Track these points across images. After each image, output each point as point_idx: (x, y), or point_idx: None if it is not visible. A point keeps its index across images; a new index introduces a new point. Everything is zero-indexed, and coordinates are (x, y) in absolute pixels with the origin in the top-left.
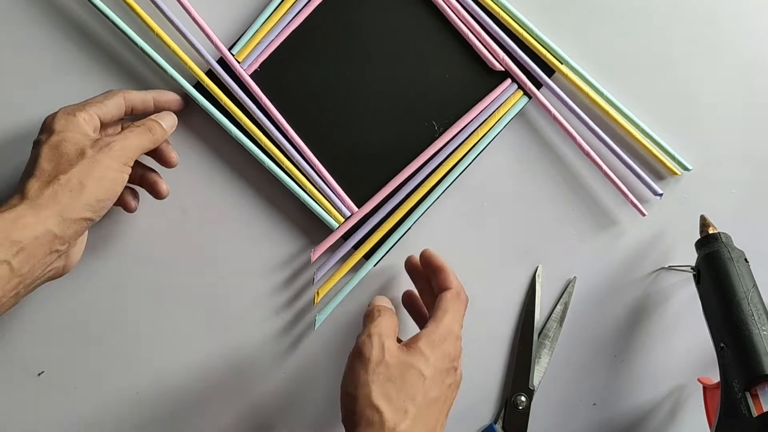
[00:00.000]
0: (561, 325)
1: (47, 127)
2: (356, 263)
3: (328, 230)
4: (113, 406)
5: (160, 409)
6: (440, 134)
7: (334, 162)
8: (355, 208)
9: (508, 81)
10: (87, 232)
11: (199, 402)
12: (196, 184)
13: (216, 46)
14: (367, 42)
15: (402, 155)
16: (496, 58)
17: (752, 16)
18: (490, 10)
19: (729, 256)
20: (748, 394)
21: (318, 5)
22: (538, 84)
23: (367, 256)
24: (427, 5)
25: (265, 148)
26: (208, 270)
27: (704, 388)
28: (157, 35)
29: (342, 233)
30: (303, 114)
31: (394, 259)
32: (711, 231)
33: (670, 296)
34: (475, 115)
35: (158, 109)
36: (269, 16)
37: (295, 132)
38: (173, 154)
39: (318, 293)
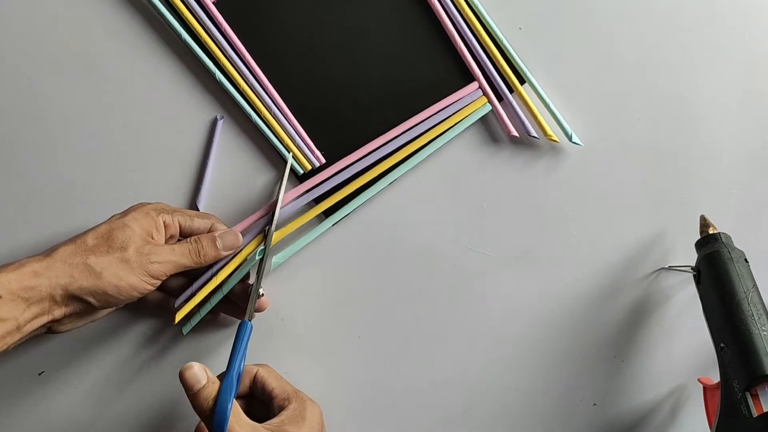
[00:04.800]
0: None
1: (129, 210)
2: (317, 217)
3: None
4: (114, 406)
5: (162, 409)
6: None
7: (304, 113)
8: (323, 160)
9: (475, 84)
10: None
11: None
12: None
13: None
14: (351, 9)
15: (372, 124)
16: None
17: (751, 16)
18: (468, 20)
19: (729, 256)
20: (748, 394)
21: None
22: (500, 97)
23: (327, 214)
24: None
25: (235, 83)
26: None
27: (704, 388)
28: None
29: (312, 184)
30: (274, 56)
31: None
32: (711, 231)
33: (671, 296)
34: (444, 107)
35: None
36: None
37: (263, 72)
38: (264, 303)
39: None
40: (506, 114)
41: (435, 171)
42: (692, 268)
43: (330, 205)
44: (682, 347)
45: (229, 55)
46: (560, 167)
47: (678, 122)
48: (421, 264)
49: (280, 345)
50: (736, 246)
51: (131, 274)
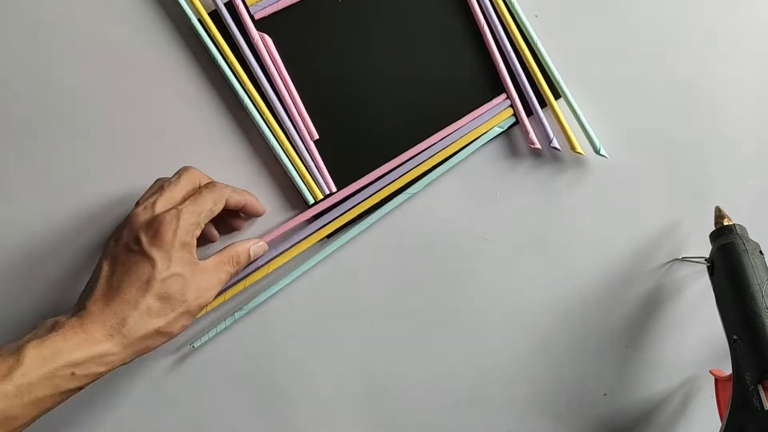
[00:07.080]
0: None
1: (156, 239)
2: (320, 241)
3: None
4: (130, 390)
5: (177, 396)
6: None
7: (322, 129)
8: (335, 188)
9: (503, 96)
10: None
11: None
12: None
13: None
14: (384, 24)
15: (390, 147)
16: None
17: None
18: (507, 27)
19: (743, 248)
20: (760, 387)
21: None
22: (529, 111)
23: (330, 236)
24: (454, 5)
25: (257, 106)
26: None
27: (716, 380)
28: None
29: (312, 215)
30: (302, 77)
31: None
32: (726, 222)
33: (684, 288)
34: (464, 123)
35: (244, 211)
36: None
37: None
38: (260, 207)
39: (269, 266)
40: (531, 126)
41: (455, 173)
42: (706, 260)
43: (341, 225)
44: (694, 339)
45: (252, 66)
46: (576, 159)
47: (694, 111)
48: (433, 253)
49: (289, 330)
50: (750, 238)
51: (192, 318)
